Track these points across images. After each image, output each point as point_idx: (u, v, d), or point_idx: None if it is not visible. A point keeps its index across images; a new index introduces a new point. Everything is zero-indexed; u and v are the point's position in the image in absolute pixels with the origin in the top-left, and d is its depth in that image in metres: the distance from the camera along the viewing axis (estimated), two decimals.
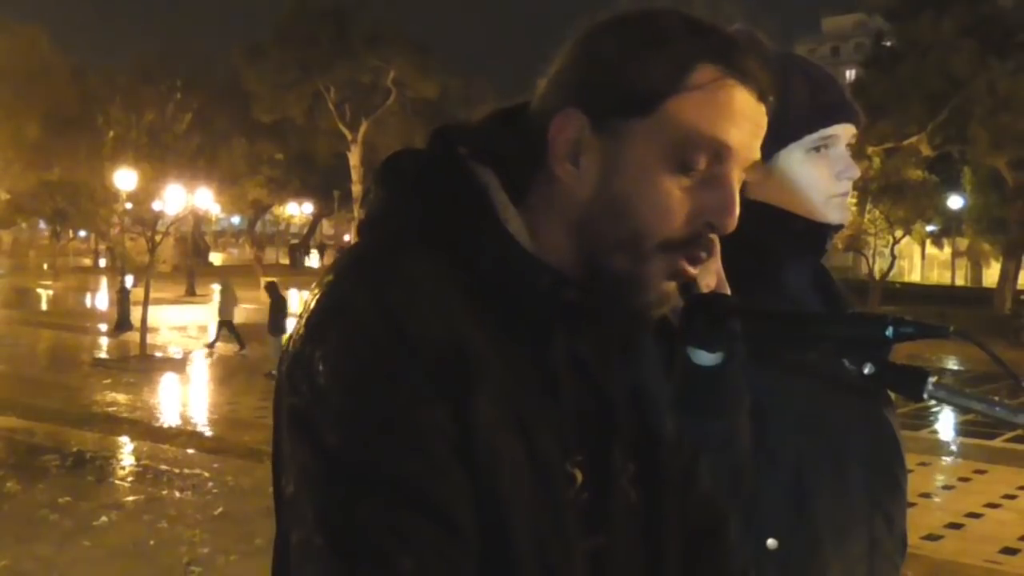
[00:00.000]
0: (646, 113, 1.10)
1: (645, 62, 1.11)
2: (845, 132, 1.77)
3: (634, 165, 1.11)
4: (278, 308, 17.82)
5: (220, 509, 8.66)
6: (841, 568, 1.68)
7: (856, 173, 1.77)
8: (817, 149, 1.74)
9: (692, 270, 1.14)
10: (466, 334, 1.06)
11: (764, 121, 1.15)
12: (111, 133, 21.54)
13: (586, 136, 1.12)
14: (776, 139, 1.69)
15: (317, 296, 1.10)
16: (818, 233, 1.77)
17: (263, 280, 35.43)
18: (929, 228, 38.29)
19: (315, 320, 1.08)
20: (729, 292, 1.27)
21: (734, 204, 1.13)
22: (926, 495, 9.68)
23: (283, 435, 1.08)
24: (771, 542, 1.63)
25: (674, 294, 1.16)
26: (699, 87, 1.10)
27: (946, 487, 10.34)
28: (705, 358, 1.27)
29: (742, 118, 1.12)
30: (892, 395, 1.76)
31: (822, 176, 1.74)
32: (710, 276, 1.23)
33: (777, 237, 1.72)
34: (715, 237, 1.17)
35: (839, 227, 1.79)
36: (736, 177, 1.14)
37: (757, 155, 1.16)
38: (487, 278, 1.11)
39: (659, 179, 1.11)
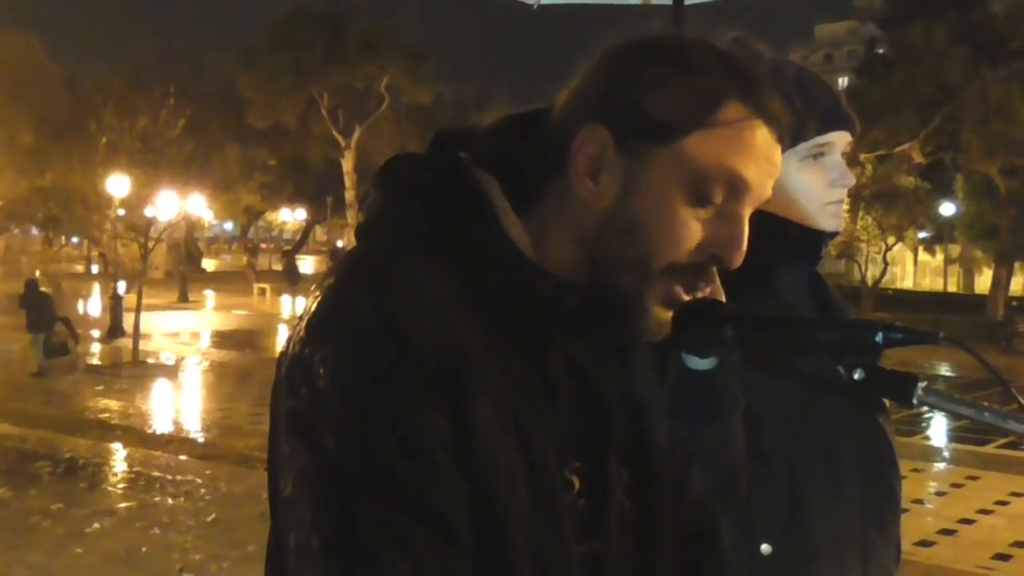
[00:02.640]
0: (670, 142, 1.11)
1: (675, 92, 1.11)
2: (840, 140, 1.78)
3: (653, 190, 1.12)
4: (37, 305, 17.82)
5: (213, 515, 8.64)
6: (835, 574, 1.68)
7: (851, 181, 1.77)
8: (813, 157, 1.75)
9: (686, 297, 1.15)
10: (465, 338, 1.07)
11: (779, 161, 1.17)
12: (104, 139, 21.51)
13: (609, 154, 1.12)
14: None
15: (317, 299, 1.10)
16: (812, 240, 1.77)
17: (256, 287, 35.43)
18: (921, 235, 38.32)
19: (315, 323, 1.08)
20: (725, 299, 1.27)
21: (743, 241, 1.14)
22: (919, 501, 9.69)
23: (281, 437, 1.09)
24: (765, 547, 1.63)
25: (668, 323, 1.16)
26: (725, 124, 1.11)
27: (939, 493, 10.34)
28: (699, 363, 1.28)
29: (762, 158, 1.13)
30: (887, 402, 1.76)
31: (817, 184, 1.75)
32: None
33: (772, 244, 1.72)
34: None
35: (834, 234, 1.80)
36: (747, 214, 1.15)
37: (769, 193, 1.17)
38: (486, 283, 1.11)
39: (676, 207, 1.12)
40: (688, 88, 1.12)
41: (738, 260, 1.14)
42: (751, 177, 1.12)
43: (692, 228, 1.12)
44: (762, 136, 1.13)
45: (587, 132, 1.13)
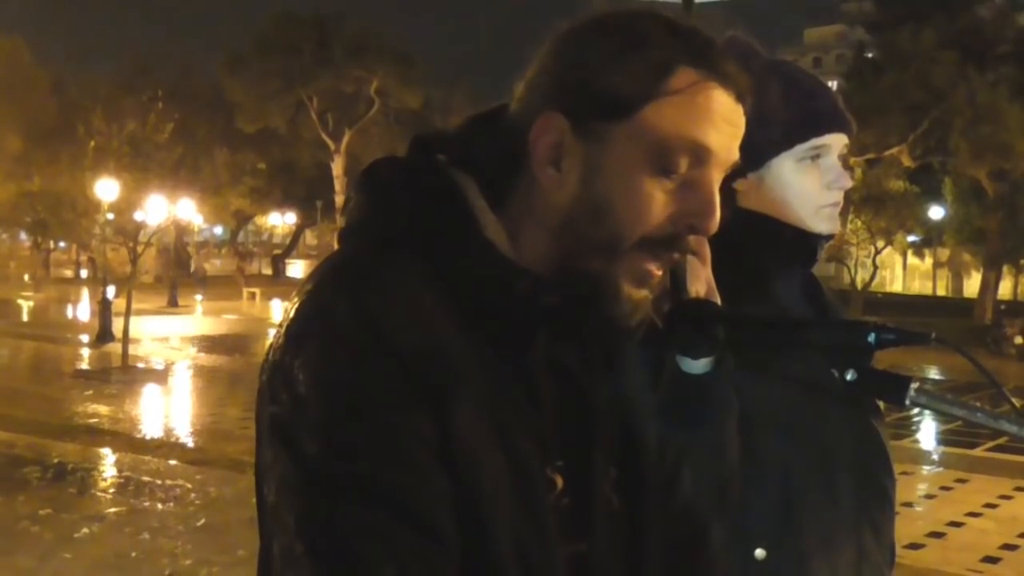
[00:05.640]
0: (626, 117, 1.11)
1: (624, 66, 1.11)
2: (837, 142, 1.77)
3: (615, 168, 1.11)
4: None
5: (202, 520, 8.61)
6: None
7: (848, 183, 1.76)
8: (809, 159, 1.74)
9: (658, 272, 1.15)
10: (445, 340, 1.07)
11: (742, 122, 1.16)
12: (92, 143, 21.40)
13: (567, 140, 1.12)
14: (768, 148, 1.69)
15: (297, 304, 1.10)
16: (808, 243, 1.77)
17: (245, 291, 35.37)
18: (911, 238, 38.36)
19: (295, 329, 1.08)
20: (719, 301, 1.27)
21: (715, 206, 1.13)
22: (908, 504, 9.71)
23: (264, 444, 1.09)
24: (759, 552, 1.63)
25: (647, 302, 1.16)
26: (679, 91, 1.11)
27: (928, 496, 10.37)
28: (694, 366, 1.27)
29: (721, 120, 1.13)
30: (881, 404, 1.76)
31: (813, 186, 1.74)
32: (700, 284, 1.23)
33: (767, 246, 1.72)
34: (705, 247, 1.18)
35: (829, 237, 1.79)
36: (716, 179, 1.14)
37: (736, 156, 1.16)
38: (466, 284, 1.11)
39: (640, 182, 1.11)
40: (636, 60, 1.11)
41: (713, 227, 1.14)
42: (712, 142, 1.12)
43: (659, 200, 1.12)
44: (719, 98, 1.12)
45: (543, 121, 1.12)
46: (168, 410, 15.12)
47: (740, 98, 1.15)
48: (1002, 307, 31.82)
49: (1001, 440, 12.04)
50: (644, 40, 1.12)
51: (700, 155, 1.12)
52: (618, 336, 1.19)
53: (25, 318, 29.98)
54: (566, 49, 1.15)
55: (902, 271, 53.74)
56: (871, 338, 1.09)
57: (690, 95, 1.11)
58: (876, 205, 27.96)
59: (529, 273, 1.13)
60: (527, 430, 1.10)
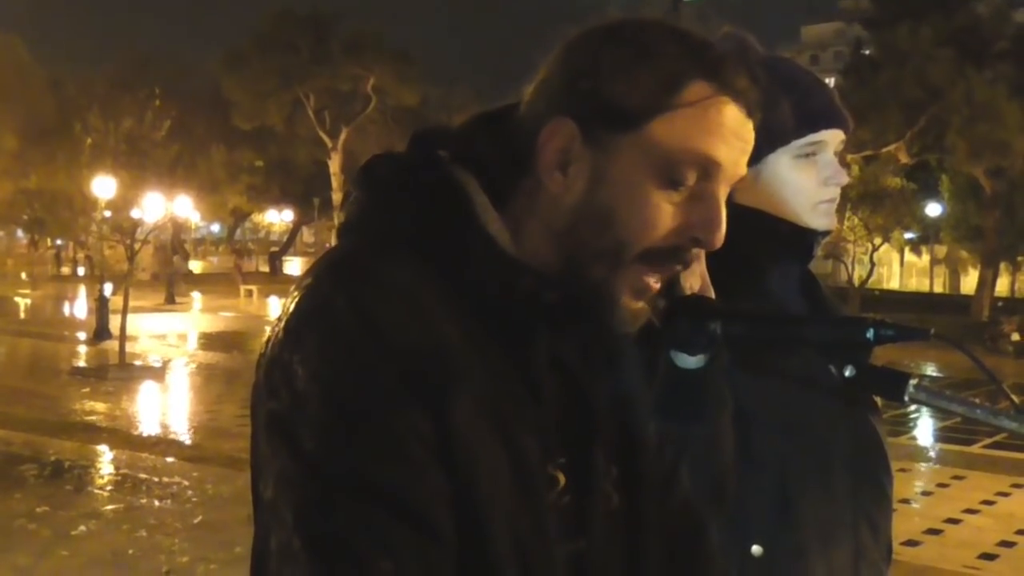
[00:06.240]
0: (636, 128, 1.10)
1: (636, 77, 1.11)
2: (833, 138, 1.76)
3: (622, 178, 1.11)
4: None
5: (199, 518, 8.61)
6: (826, 575, 1.68)
7: (844, 179, 1.76)
8: (805, 155, 1.74)
9: (656, 285, 1.15)
10: (445, 337, 1.06)
11: (751, 137, 1.16)
12: (89, 141, 21.36)
13: (576, 146, 1.12)
14: (764, 143, 1.69)
15: (295, 300, 1.10)
16: (804, 239, 1.76)
17: (243, 288, 35.34)
18: (908, 235, 38.44)
19: (293, 324, 1.08)
20: (713, 296, 1.27)
21: (721, 220, 1.13)
22: (905, 501, 9.72)
23: (261, 439, 1.08)
24: (756, 548, 1.63)
25: (644, 313, 1.16)
26: (691, 104, 1.10)
27: (925, 493, 10.39)
28: (688, 361, 1.27)
29: (731, 135, 1.12)
30: (878, 401, 1.76)
31: (809, 182, 1.74)
32: (694, 279, 1.23)
33: (763, 242, 1.72)
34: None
35: (826, 233, 1.79)
36: (723, 193, 1.14)
37: (744, 171, 1.16)
38: (467, 281, 1.11)
39: (647, 193, 1.11)
40: (648, 72, 1.11)
41: (718, 240, 1.13)
42: (722, 156, 1.12)
43: (666, 212, 1.11)
44: (730, 113, 1.12)
45: (553, 126, 1.12)
46: (165, 407, 15.11)
47: (750, 113, 1.14)
48: (999, 304, 31.89)
49: (999, 437, 12.04)
50: (656, 51, 1.12)
51: (709, 169, 1.12)
52: (618, 335, 1.19)
53: (22, 316, 29.95)
54: (578, 56, 1.15)
55: (899, 268, 53.79)
56: (870, 334, 1.08)
57: (702, 109, 1.11)
58: (873, 202, 27.99)
59: (531, 270, 1.13)
60: (528, 427, 1.10)
